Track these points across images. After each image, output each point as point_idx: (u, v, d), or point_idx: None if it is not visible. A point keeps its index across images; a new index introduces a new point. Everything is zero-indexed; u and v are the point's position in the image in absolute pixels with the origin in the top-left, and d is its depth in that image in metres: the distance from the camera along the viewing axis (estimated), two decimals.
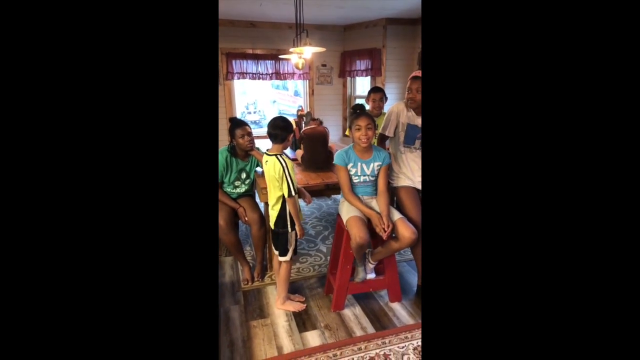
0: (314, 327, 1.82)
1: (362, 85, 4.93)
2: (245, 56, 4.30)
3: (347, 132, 2.35)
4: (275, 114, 5.38)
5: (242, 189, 2.30)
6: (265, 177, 1.82)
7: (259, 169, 2.36)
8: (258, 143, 2.39)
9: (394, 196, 2.12)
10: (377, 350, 1.65)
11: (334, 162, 1.90)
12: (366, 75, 4.47)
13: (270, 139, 1.76)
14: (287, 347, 1.69)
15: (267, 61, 4.39)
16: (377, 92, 2.86)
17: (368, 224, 1.79)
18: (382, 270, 1.99)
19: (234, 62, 4.26)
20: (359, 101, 4.75)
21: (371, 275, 1.97)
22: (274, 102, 7.64)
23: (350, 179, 1.87)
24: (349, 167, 1.85)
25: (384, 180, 1.86)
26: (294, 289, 2.12)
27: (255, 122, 6.77)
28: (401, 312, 1.94)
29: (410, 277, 2.29)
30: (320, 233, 2.94)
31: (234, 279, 2.29)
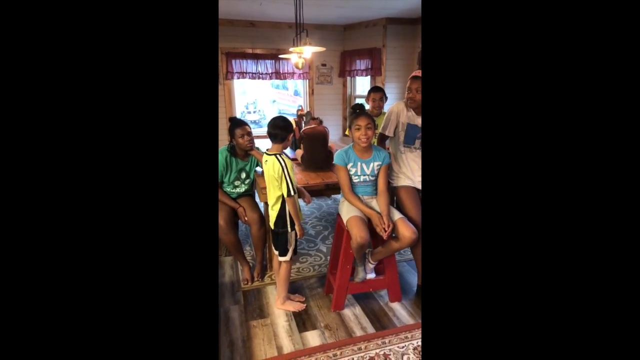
0: (314, 327, 1.82)
1: (362, 84, 4.93)
2: (245, 56, 4.30)
3: (347, 132, 2.35)
4: (275, 114, 5.37)
5: (242, 188, 2.30)
6: (265, 176, 1.82)
7: (258, 168, 2.35)
8: (258, 143, 2.39)
9: (394, 196, 2.12)
10: (377, 350, 1.65)
11: (333, 162, 1.90)
12: (366, 75, 4.47)
13: (270, 139, 1.76)
14: (287, 347, 1.69)
15: (267, 61, 4.39)
16: (377, 91, 2.85)
17: (368, 223, 1.79)
18: (382, 270, 1.99)
19: (233, 61, 4.26)
20: (358, 101, 4.75)
21: (371, 275, 1.97)
22: (274, 101, 7.64)
23: (350, 179, 1.87)
24: (348, 166, 1.85)
25: (384, 180, 1.86)
26: (293, 288, 2.12)
27: (255, 122, 6.76)
28: (401, 312, 1.93)
29: (410, 277, 2.29)
30: (320, 233, 2.94)
31: (233, 278, 2.29)
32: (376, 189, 1.90)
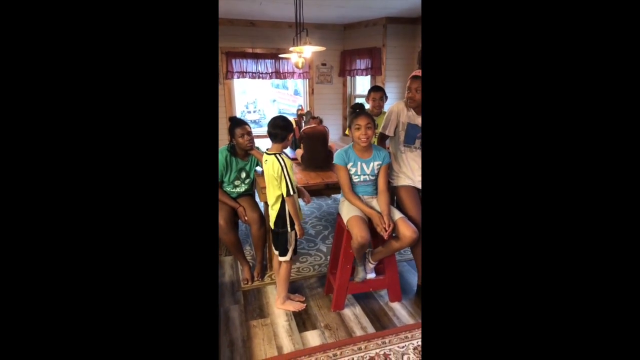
0: (314, 327, 1.82)
1: (362, 84, 4.92)
2: (245, 55, 4.30)
3: (347, 132, 2.35)
4: (275, 113, 5.36)
5: (242, 188, 2.29)
6: (265, 176, 1.81)
7: (258, 168, 2.35)
8: (258, 142, 2.38)
9: (394, 195, 2.12)
10: (377, 350, 1.65)
11: (333, 162, 1.90)
12: (366, 75, 4.47)
13: (270, 138, 1.76)
14: (287, 346, 1.69)
15: (267, 60, 4.39)
16: (377, 91, 2.85)
17: (369, 223, 1.78)
18: (382, 270, 1.99)
19: (233, 61, 4.25)
20: (358, 100, 4.75)
21: (371, 275, 1.97)
22: (274, 101, 7.63)
23: (350, 179, 1.87)
24: (348, 166, 1.85)
25: (384, 180, 1.86)
26: (293, 288, 2.12)
27: (255, 122, 6.75)
28: (401, 312, 1.93)
29: (410, 277, 2.29)
30: (320, 233, 2.94)
31: (233, 278, 2.29)
32: (376, 189, 1.90)
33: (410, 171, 2.05)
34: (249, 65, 4.34)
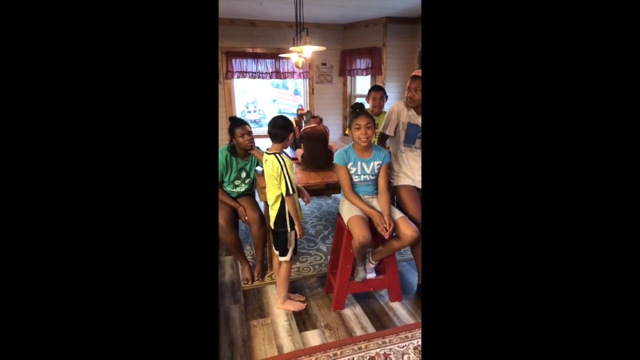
0: (314, 327, 1.82)
1: (362, 84, 4.92)
2: (245, 55, 4.30)
3: (347, 131, 2.35)
4: (275, 113, 5.35)
5: (242, 188, 2.30)
6: (265, 175, 1.82)
7: (259, 168, 2.35)
8: (258, 142, 2.38)
9: (394, 195, 2.12)
10: (378, 350, 1.65)
11: (334, 162, 1.90)
12: (366, 74, 4.47)
13: (271, 138, 1.76)
14: (287, 346, 1.69)
15: (267, 60, 4.39)
16: (377, 90, 2.85)
17: (369, 223, 1.78)
18: (382, 270, 1.99)
19: (233, 61, 4.25)
20: (359, 100, 4.74)
21: (371, 275, 1.97)
22: (274, 101, 7.63)
23: (351, 178, 1.87)
24: (349, 166, 1.85)
25: (384, 179, 1.86)
26: (294, 288, 2.12)
27: (255, 121, 6.75)
28: (401, 312, 1.93)
29: (411, 277, 2.29)
30: (321, 232, 2.94)
31: (234, 278, 2.29)
32: (376, 189, 1.90)
33: (411, 171, 2.05)
34: (249, 65, 4.34)
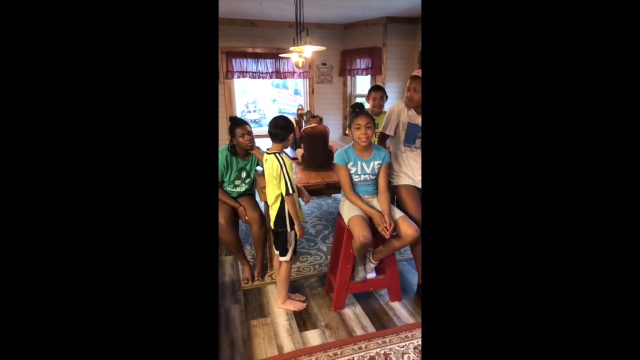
0: (315, 327, 1.82)
1: (363, 84, 4.92)
2: (245, 55, 4.30)
3: (347, 131, 2.35)
4: (275, 113, 5.34)
5: (243, 188, 2.30)
6: (265, 175, 1.82)
7: (259, 168, 2.36)
8: (258, 142, 2.39)
9: (394, 195, 2.12)
10: (378, 350, 1.65)
11: (334, 162, 1.90)
12: (366, 74, 4.47)
13: (271, 138, 1.77)
14: (288, 346, 1.69)
15: (267, 60, 4.39)
16: (377, 90, 2.85)
17: (369, 223, 1.79)
18: (382, 270, 1.99)
19: (234, 61, 4.26)
20: (359, 100, 4.75)
21: (371, 275, 1.97)
22: (274, 101, 7.63)
23: (351, 178, 1.87)
24: (349, 166, 1.85)
25: (384, 179, 1.86)
26: (294, 288, 2.12)
27: (255, 121, 6.75)
28: (401, 311, 1.94)
29: (411, 276, 2.29)
30: (321, 232, 2.94)
31: (234, 278, 2.29)
32: (377, 188, 1.90)
33: (411, 171, 2.05)
34: (249, 65, 4.34)
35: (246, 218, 2.20)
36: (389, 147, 2.15)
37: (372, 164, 1.85)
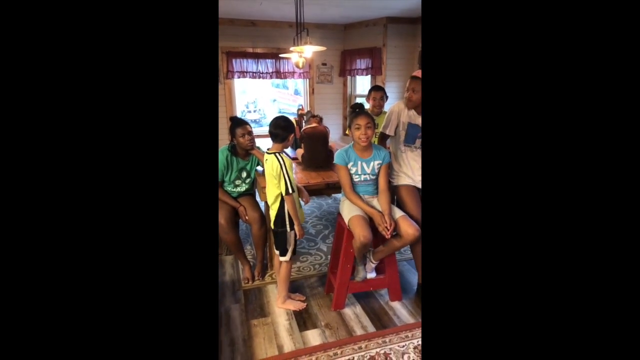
0: (315, 326, 1.83)
1: (363, 84, 4.93)
2: (245, 55, 4.30)
3: (347, 132, 2.35)
4: (276, 113, 5.33)
5: (243, 188, 2.30)
6: (265, 175, 1.82)
7: (259, 168, 2.36)
8: (258, 142, 2.39)
9: (394, 195, 2.12)
10: (378, 349, 1.65)
11: (334, 162, 1.90)
12: (366, 74, 4.47)
13: (271, 138, 1.77)
14: (288, 346, 1.70)
15: (267, 60, 4.39)
16: (377, 90, 2.86)
17: (370, 222, 1.79)
18: (382, 270, 1.99)
19: (234, 61, 4.26)
20: (359, 100, 4.75)
21: (372, 275, 1.97)
22: (274, 100, 7.63)
23: (351, 178, 1.87)
24: (349, 166, 1.85)
25: (384, 179, 1.87)
26: (294, 288, 2.13)
27: (255, 121, 6.76)
28: (401, 311, 1.94)
29: (411, 276, 2.29)
30: (321, 232, 2.95)
31: (234, 277, 2.30)
32: (377, 188, 1.91)
33: (411, 171, 2.05)
34: (250, 65, 4.35)
35: (246, 218, 2.20)
36: (389, 147, 2.16)
37: (372, 164, 1.86)
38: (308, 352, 1.64)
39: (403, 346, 1.67)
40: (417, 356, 1.61)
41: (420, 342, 1.69)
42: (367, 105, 2.89)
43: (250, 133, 2.18)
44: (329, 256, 2.31)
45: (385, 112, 2.77)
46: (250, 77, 4.39)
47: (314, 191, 2.29)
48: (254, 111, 7.20)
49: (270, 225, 1.92)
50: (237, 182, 2.27)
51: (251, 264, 2.33)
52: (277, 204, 1.79)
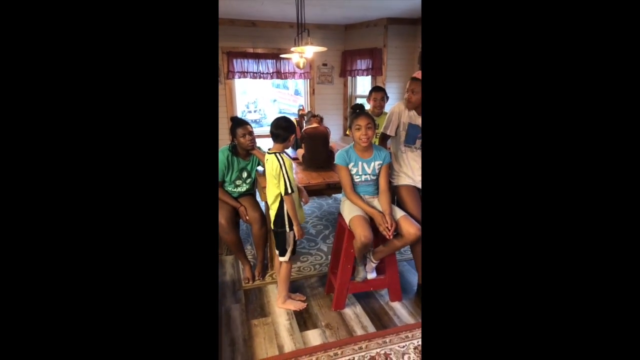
0: (315, 326, 1.83)
1: (363, 84, 4.93)
2: (246, 55, 4.31)
3: (347, 132, 2.36)
4: (276, 113, 5.33)
5: (243, 188, 2.30)
6: (266, 175, 1.82)
7: (260, 168, 2.36)
8: (258, 142, 2.39)
9: (394, 195, 2.12)
10: (378, 350, 1.66)
11: (335, 162, 1.91)
12: (367, 75, 4.47)
13: (272, 138, 1.77)
14: (288, 346, 1.70)
15: (267, 60, 4.40)
16: (378, 91, 2.86)
17: (370, 223, 1.79)
18: (382, 270, 1.99)
19: (234, 61, 4.26)
20: (359, 101, 4.75)
21: (372, 275, 1.98)
22: (275, 101, 7.63)
23: (352, 179, 1.88)
24: (350, 166, 1.85)
25: (385, 179, 1.87)
26: (294, 288, 2.13)
27: (255, 121, 6.76)
28: (402, 312, 1.94)
29: (411, 277, 2.29)
30: (321, 232, 2.95)
31: (235, 277, 2.30)
32: (377, 189, 1.91)
33: (411, 171, 2.06)
34: (250, 65, 4.35)
35: (247, 218, 2.20)
36: (389, 148, 2.16)
37: (372, 164, 1.86)
38: (308, 352, 1.64)
39: (403, 346, 1.67)
40: (417, 356, 1.61)
41: (420, 343, 1.69)
42: (367, 106, 2.89)
43: (251, 133, 2.18)
44: (330, 256, 2.32)
45: (385, 113, 2.77)
46: (250, 78, 4.40)
47: (315, 191, 2.29)
48: (255, 111, 7.21)
49: (270, 226, 1.92)
50: (238, 182, 2.27)
51: (251, 264, 2.33)
52: (277, 204, 1.79)
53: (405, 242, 1.78)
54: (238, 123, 2.18)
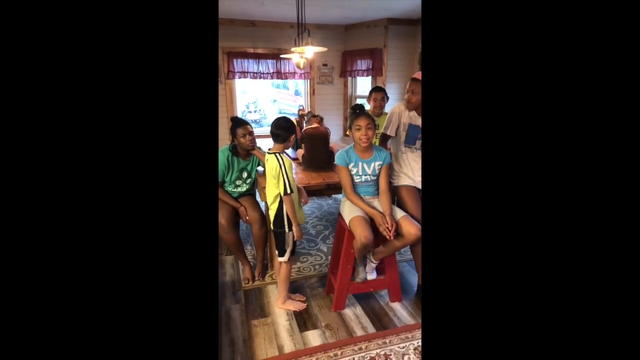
0: (315, 327, 1.83)
1: (363, 85, 4.93)
2: (246, 55, 4.31)
3: (347, 132, 2.36)
4: (276, 113, 5.33)
5: (244, 188, 2.30)
6: (266, 175, 1.82)
7: (260, 168, 2.36)
8: (258, 142, 2.39)
9: (394, 195, 2.12)
10: (378, 350, 1.65)
11: (335, 163, 1.91)
12: (367, 75, 4.47)
13: (273, 138, 1.77)
14: (288, 346, 1.70)
15: (268, 60, 4.40)
16: (378, 91, 2.86)
17: (370, 223, 1.79)
18: (382, 270, 1.99)
19: (235, 61, 4.26)
20: (359, 101, 4.75)
21: (372, 275, 1.98)
22: (275, 101, 7.63)
23: (352, 179, 1.87)
24: (350, 167, 1.85)
25: (385, 180, 1.87)
26: (294, 288, 2.13)
27: (255, 122, 6.76)
28: (402, 312, 1.94)
29: (411, 277, 2.29)
30: (321, 232, 2.95)
31: (234, 278, 2.30)
32: (377, 189, 1.91)
33: (411, 171, 2.06)
34: (250, 65, 4.35)
35: (247, 218, 2.20)
36: (389, 148, 2.16)
37: (372, 164, 1.86)
38: (308, 353, 1.64)
39: (403, 347, 1.67)
40: (417, 357, 1.61)
41: (420, 343, 1.69)
42: (367, 106, 2.89)
43: (251, 133, 2.18)
44: (329, 257, 2.32)
45: (386, 113, 2.77)
46: (250, 78, 4.39)
47: (315, 192, 2.29)
48: (255, 111, 7.21)
49: (270, 226, 1.92)
50: (238, 182, 2.27)
51: (251, 264, 2.33)
52: (277, 205, 1.79)
53: (405, 243, 1.78)
54: (238, 123, 2.18)
